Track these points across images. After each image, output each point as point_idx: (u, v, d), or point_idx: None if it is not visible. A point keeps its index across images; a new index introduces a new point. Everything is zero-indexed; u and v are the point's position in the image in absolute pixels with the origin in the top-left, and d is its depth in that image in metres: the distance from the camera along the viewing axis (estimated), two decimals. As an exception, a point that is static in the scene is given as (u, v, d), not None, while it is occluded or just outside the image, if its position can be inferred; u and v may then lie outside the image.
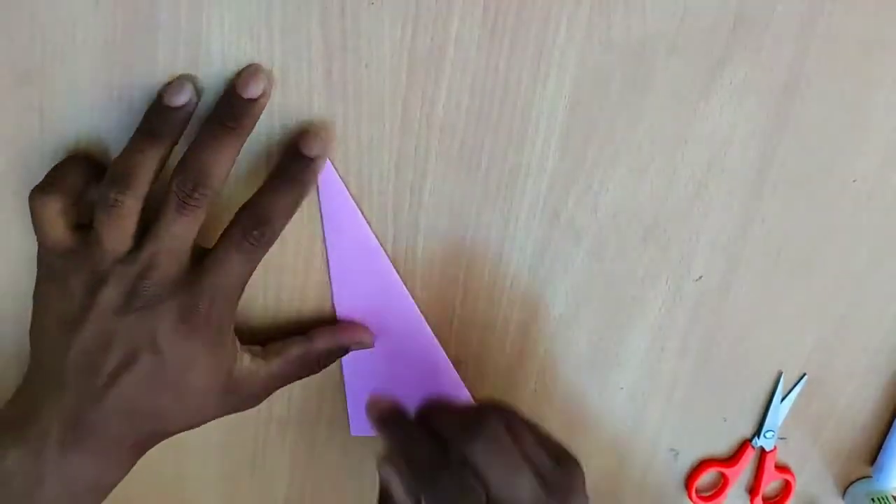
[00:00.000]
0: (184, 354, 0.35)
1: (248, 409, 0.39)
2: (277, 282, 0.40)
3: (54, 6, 0.33)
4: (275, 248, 0.36)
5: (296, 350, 0.39)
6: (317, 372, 0.41)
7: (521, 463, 0.35)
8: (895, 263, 0.47)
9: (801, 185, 0.43)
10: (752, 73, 0.39)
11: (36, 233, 0.35)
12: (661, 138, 0.40)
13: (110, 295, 0.34)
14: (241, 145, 0.35)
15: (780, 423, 0.50)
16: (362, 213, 0.39)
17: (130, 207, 0.33)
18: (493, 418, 0.35)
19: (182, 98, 0.34)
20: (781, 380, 0.49)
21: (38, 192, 0.34)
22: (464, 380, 0.44)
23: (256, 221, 0.34)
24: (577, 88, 0.38)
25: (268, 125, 0.36)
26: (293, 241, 0.39)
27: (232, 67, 0.35)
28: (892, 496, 0.53)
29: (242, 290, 0.36)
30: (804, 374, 0.49)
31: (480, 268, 0.42)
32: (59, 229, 0.34)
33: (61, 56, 0.34)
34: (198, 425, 0.38)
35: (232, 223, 0.35)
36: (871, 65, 0.40)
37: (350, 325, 0.41)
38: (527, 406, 0.42)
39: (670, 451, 0.50)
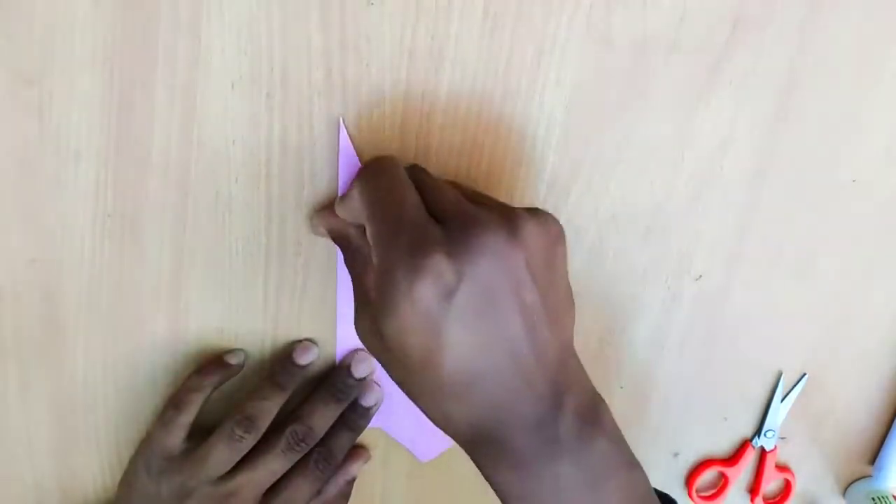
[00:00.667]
0: None
1: None
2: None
3: (54, 6, 0.33)
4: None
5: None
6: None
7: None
8: (895, 262, 0.47)
9: (801, 184, 0.43)
10: (751, 72, 0.39)
11: (155, 431, 0.40)
12: (660, 137, 0.40)
13: None
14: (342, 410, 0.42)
15: (780, 422, 0.50)
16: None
17: (249, 444, 0.39)
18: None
19: (308, 358, 0.41)
20: (781, 379, 0.49)
21: (187, 394, 0.39)
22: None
23: (326, 453, 0.41)
24: (577, 88, 0.38)
25: (267, 125, 0.36)
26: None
27: (232, 67, 0.35)
28: (893, 495, 0.53)
29: None
30: (804, 374, 0.49)
31: (480, 267, 0.42)
32: (178, 438, 0.39)
33: (61, 56, 0.34)
34: None
35: (303, 459, 0.40)
36: (870, 64, 0.41)
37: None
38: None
39: (670, 451, 0.50)
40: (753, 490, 0.53)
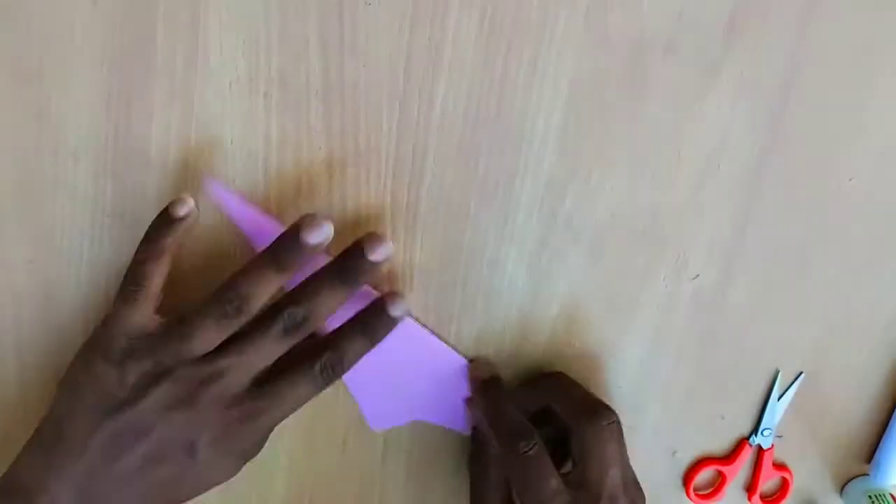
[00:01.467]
0: (216, 462, 0.36)
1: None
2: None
3: (54, 6, 0.33)
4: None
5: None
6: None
7: (622, 461, 0.39)
8: (892, 261, 0.47)
9: (798, 184, 0.43)
10: (749, 72, 0.39)
11: (116, 305, 0.35)
12: (658, 138, 0.40)
13: (167, 390, 0.34)
14: (350, 297, 0.36)
15: (777, 421, 0.50)
16: (359, 214, 0.39)
17: (238, 325, 0.35)
18: (612, 413, 0.39)
19: (318, 237, 0.35)
20: (779, 378, 0.49)
21: (139, 266, 0.35)
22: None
23: (336, 360, 0.37)
24: (575, 88, 0.38)
25: (265, 125, 0.36)
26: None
27: (230, 66, 0.35)
28: (890, 494, 0.53)
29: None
30: (801, 372, 0.49)
31: (478, 268, 0.42)
32: (147, 312, 0.35)
33: (61, 56, 0.34)
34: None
35: (309, 356, 0.36)
36: (867, 64, 0.41)
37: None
38: (525, 405, 0.42)
39: (668, 450, 0.50)
40: (751, 488, 0.53)
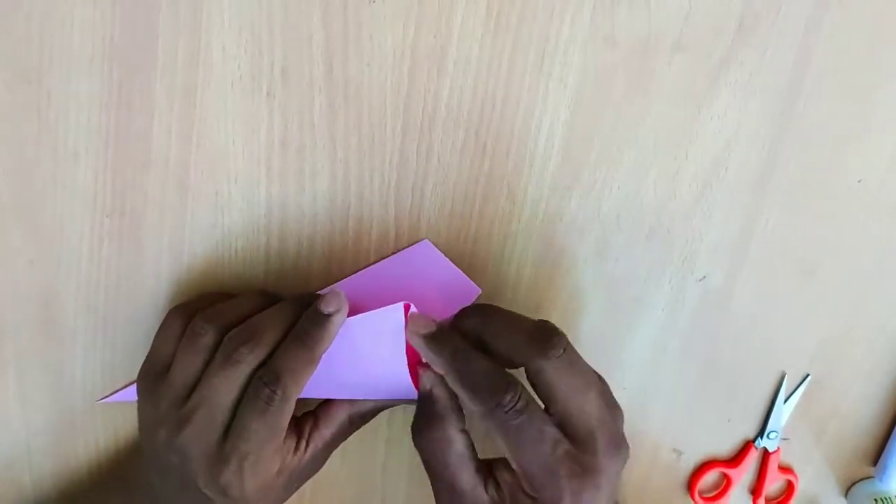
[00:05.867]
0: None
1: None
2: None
3: (53, 6, 0.32)
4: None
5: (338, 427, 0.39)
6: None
7: (592, 377, 0.35)
8: (899, 263, 0.47)
9: (806, 185, 0.43)
10: (756, 72, 0.39)
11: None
12: (664, 138, 0.40)
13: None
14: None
15: (783, 423, 0.50)
16: (362, 214, 0.39)
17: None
18: (561, 334, 0.34)
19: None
20: (785, 381, 0.49)
21: (179, 308, 0.37)
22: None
23: (269, 373, 0.34)
24: (581, 87, 0.38)
25: (267, 124, 0.36)
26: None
27: (232, 65, 0.35)
28: (895, 497, 0.53)
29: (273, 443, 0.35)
30: (807, 375, 0.49)
31: (483, 268, 0.41)
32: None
33: (61, 56, 0.33)
34: None
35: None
36: (875, 65, 0.40)
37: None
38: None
39: (673, 452, 0.50)
40: (756, 491, 0.53)
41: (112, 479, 0.42)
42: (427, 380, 0.37)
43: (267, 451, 0.34)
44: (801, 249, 0.45)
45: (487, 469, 0.36)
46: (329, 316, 0.35)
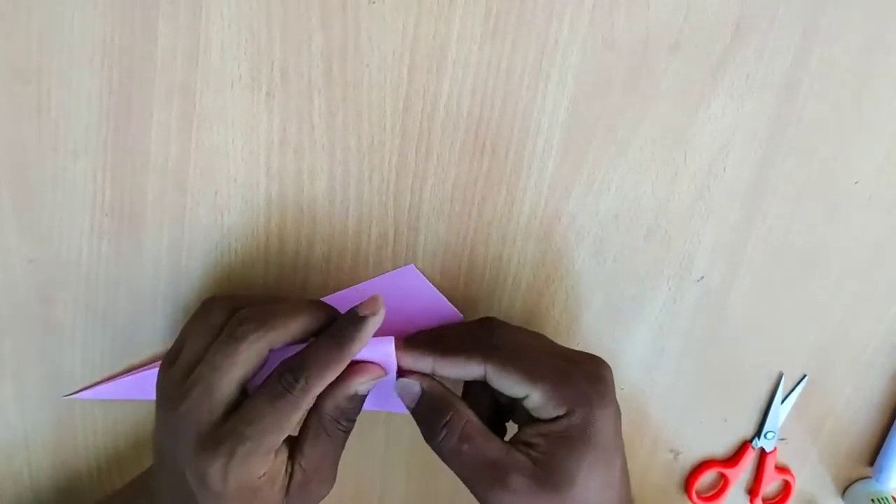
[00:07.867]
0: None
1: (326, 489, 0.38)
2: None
3: (53, 6, 0.32)
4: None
5: (311, 435, 0.36)
6: (346, 431, 0.37)
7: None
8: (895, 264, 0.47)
9: (803, 185, 0.43)
10: (754, 73, 0.39)
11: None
12: (662, 138, 0.40)
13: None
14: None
15: (780, 423, 0.50)
16: (361, 214, 0.39)
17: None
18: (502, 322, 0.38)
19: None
20: (782, 381, 0.49)
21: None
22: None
23: (295, 363, 0.34)
24: (579, 88, 0.38)
25: (267, 124, 0.36)
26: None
27: (232, 65, 0.35)
28: (892, 497, 0.53)
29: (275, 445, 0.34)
30: (804, 375, 0.49)
31: (481, 268, 0.41)
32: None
33: (60, 56, 0.33)
34: None
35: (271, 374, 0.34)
36: (873, 66, 0.40)
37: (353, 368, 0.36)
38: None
39: (670, 452, 0.50)
40: (753, 491, 0.53)
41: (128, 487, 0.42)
42: (416, 382, 0.37)
43: (265, 444, 0.33)
44: (798, 250, 0.45)
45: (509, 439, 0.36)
46: (365, 318, 0.35)
